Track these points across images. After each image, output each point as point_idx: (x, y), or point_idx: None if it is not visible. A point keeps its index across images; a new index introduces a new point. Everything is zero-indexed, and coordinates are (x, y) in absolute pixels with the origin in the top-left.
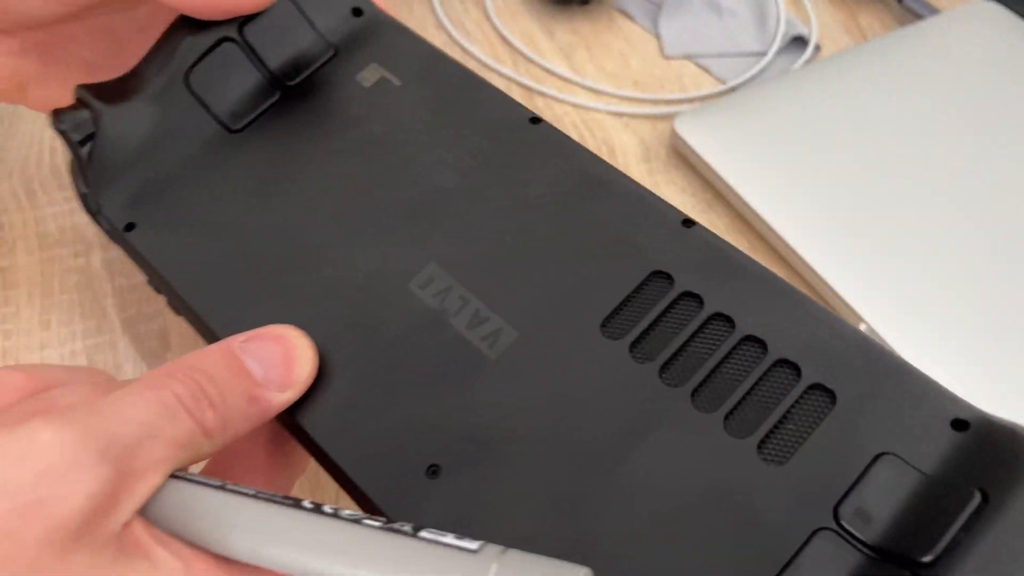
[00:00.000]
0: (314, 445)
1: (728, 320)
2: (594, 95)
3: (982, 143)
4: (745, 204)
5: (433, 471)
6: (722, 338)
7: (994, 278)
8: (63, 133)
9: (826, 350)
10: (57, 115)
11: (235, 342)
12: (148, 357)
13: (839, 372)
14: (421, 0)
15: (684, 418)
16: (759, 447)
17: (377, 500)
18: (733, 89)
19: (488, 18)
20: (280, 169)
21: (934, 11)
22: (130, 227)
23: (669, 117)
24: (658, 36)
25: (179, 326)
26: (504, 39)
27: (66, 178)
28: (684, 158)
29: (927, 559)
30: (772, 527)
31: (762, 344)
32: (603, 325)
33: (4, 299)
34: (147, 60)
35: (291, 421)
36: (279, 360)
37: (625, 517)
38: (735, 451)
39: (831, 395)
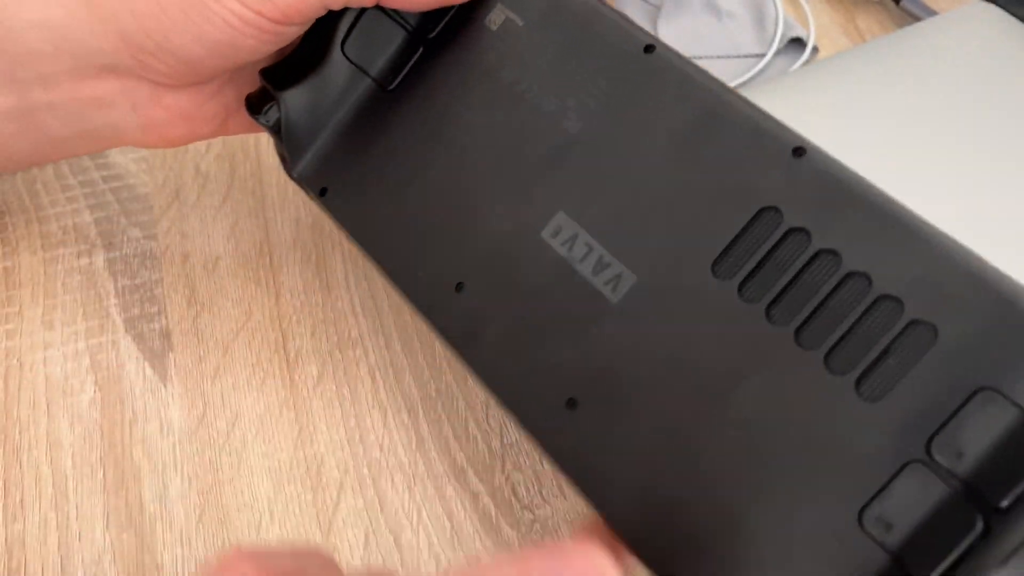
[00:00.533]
0: (478, 379)
1: (835, 254)
2: None
3: (980, 144)
4: None
5: (571, 403)
6: (827, 274)
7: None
8: (261, 124)
9: (931, 284)
10: (251, 108)
11: None
12: (151, 357)
13: (942, 307)
14: None
15: (787, 356)
16: (857, 383)
17: (527, 427)
18: None
19: None
20: (430, 124)
21: (932, 13)
22: (323, 192)
23: None
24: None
25: (181, 326)
26: None
27: (70, 178)
28: None
29: (1003, 504)
30: (865, 459)
31: (867, 279)
32: (714, 265)
33: (7, 299)
34: (306, 39)
35: (460, 356)
36: None
37: (729, 449)
38: (834, 387)
39: (933, 330)
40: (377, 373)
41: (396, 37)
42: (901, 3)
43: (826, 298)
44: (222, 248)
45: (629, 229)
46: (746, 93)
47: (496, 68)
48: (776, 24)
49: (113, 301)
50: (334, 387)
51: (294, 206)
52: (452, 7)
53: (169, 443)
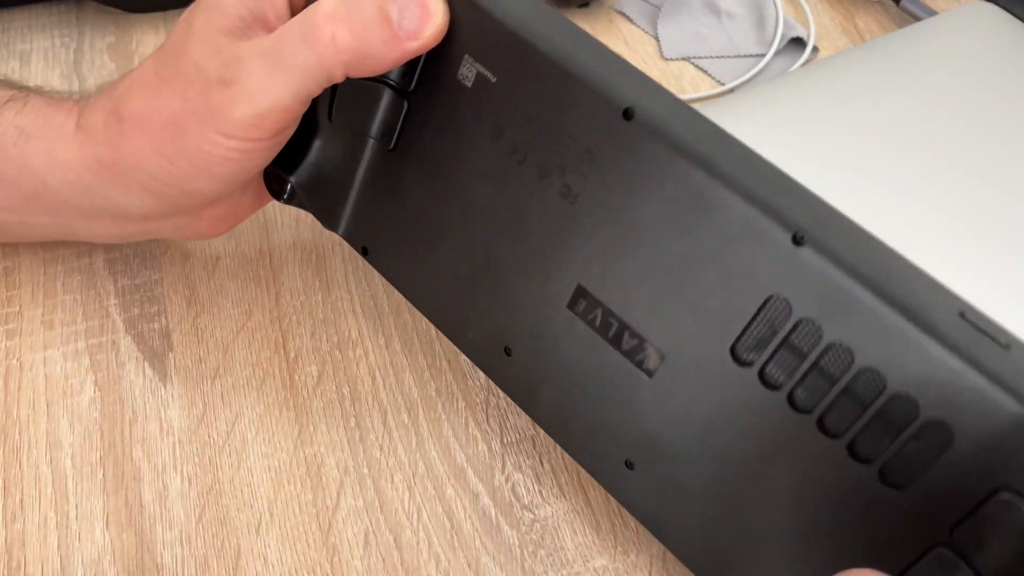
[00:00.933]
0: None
1: (847, 349)
2: None
3: (980, 144)
4: None
5: (629, 464)
6: (843, 367)
7: (994, 278)
8: (284, 203)
9: (940, 386)
10: (271, 191)
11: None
12: (151, 357)
13: (955, 411)
14: None
15: (812, 442)
16: (881, 473)
17: (598, 480)
18: (731, 91)
19: None
20: (439, 186)
21: (931, 12)
22: (365, 251)
23: None
24: (657, 38)
25: (181, 326)
26: None
27: None
28: None
29: None
30: (892, 540)
31: (880, 376)
32: (733, 349)
33: (7, 299)
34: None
35: (525, 412)
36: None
37: (759, 525)
38: (859, 474)
39: (949, 430)
40: (377, 373)
41: (378, 95)
42: (901, 3)
43: (844, 390)
44: (222, 248)
45: (646, 306)
46: (746, 93)
47: (481, 129)
48: (776, 24)
49: (113, 301)
50: (334, 387)
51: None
52: (419, 59)
53: (169, 443)
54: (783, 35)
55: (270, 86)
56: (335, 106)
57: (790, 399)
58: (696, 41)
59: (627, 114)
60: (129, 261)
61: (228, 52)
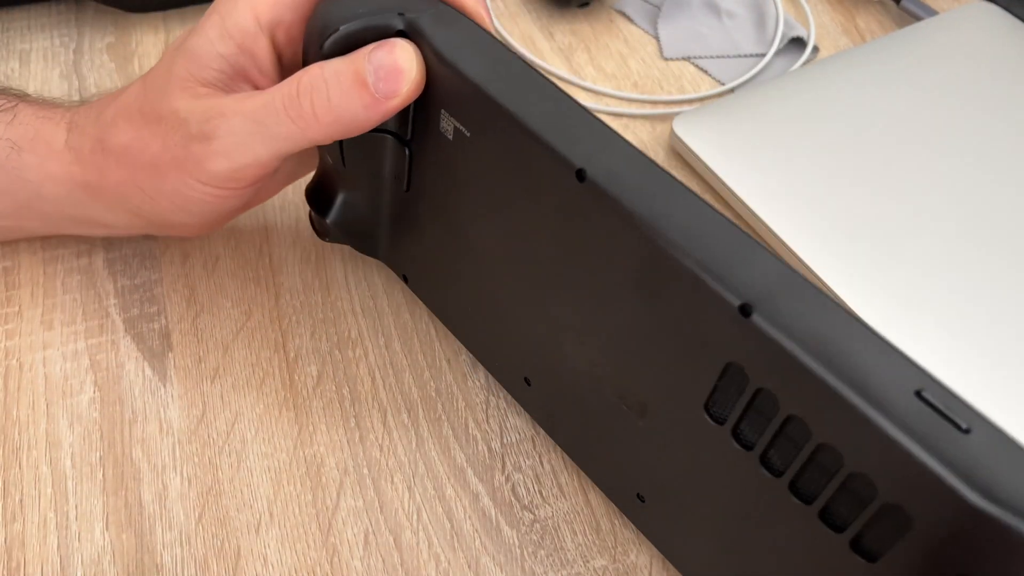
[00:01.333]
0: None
1: (803, 424)
2: (593, 96)
3: (980, 144)
4: (744, 205)
5: (640, 497)
6: (803, 438)
7: (993, 278)
8: (330, 242)
9: (898, 472)
10: (318, 233)
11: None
12: (150, 357)
13: (911, 498)
14: None
15: (784, 505)
16: (852, 543)
17: (618, 507)
18: (732, 90)
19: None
20: (450, 229)
21: (932, 12)
22: (405, 279)
23: (668, 118)
24: (657, 38)
25: (181, 326)
26: (504, 40)
27: None
28: (683, 159)
29: None
30: None
31: (838, 453)
32: (707, 408)
33: (7, 299)
34: (321, 158)
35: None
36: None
37: (754, 570)
38: (832, 543)
39: (907, 516)
40: (377, 373)
41: (382, 143)
42: (901, 3)
43: (808, 461)
44: (221, 248)
45: (627, 361)
46: (747, 93)
47: (468, 180)
48: (776, 24)
49: (112, 301)
50: (334, 387)
51: (294, 206)
52: (410, 109)
53: (169, 443)
54: (783, 35)
55: (250, 146)
56: (345, 155)
57: (763, 460)
58: (696, 41)
59: (580, 175)
60: (128, 261)
61: (210, 106)
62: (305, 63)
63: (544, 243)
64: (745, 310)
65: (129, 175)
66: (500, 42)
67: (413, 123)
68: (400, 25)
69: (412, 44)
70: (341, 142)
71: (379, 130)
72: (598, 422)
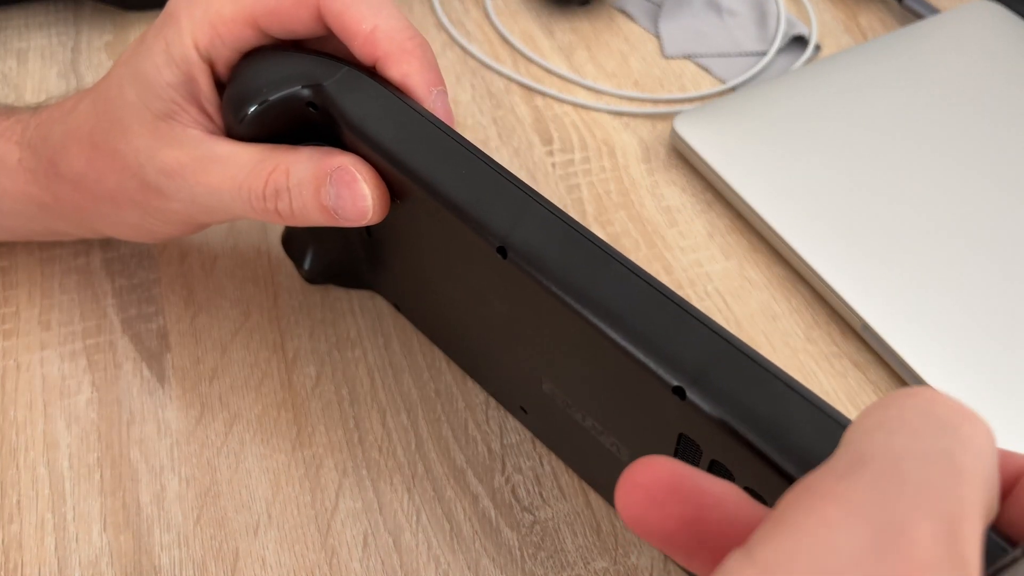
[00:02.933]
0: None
1: (760, 497)
2: (594, 95)
3: (982, 142)
4: (745, 204)
5: None
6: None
7: (993, 277)
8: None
9: None
10: (304, 277)
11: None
12: (148, 358)
13: None
14: (421, 0)
15: None
16: None
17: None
18: (733, 89)
19: (488, 18)
20: (415, 274)
21: (934, 11)
22: (397, 307)
23: (669, 117)
24: (658, 36)
25: (179, 326)
26: (504, 39)
27: None
28: (684, 158)
29: None
30: None
31: None
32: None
33: (4, 299)
34: None
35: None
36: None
37: None
38: None
39: None
40: (376, 373)
41: None
42: (903, 1)
43: None
44: (220, 248)
45: (596, 409)
46: (748, 91)
47: (412, 240)
48: (778, 22)
49: (110, 301)
50: (333, 388)
51: None
52: None
53: (167, 444)
54: (785, 33)
55: (206, 213)
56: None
57: None
58: (697, 39)
59: (501, 252)
60: (126, 261)
61: (169, 159)
62: (228, 133)
63: (494, 299)
64: (679, 392)
65: (87, 202)
66: (408, 102)
67: None
68: (308, 95)
69: (372, 172)
70: None
71: None
72: (594, 447)
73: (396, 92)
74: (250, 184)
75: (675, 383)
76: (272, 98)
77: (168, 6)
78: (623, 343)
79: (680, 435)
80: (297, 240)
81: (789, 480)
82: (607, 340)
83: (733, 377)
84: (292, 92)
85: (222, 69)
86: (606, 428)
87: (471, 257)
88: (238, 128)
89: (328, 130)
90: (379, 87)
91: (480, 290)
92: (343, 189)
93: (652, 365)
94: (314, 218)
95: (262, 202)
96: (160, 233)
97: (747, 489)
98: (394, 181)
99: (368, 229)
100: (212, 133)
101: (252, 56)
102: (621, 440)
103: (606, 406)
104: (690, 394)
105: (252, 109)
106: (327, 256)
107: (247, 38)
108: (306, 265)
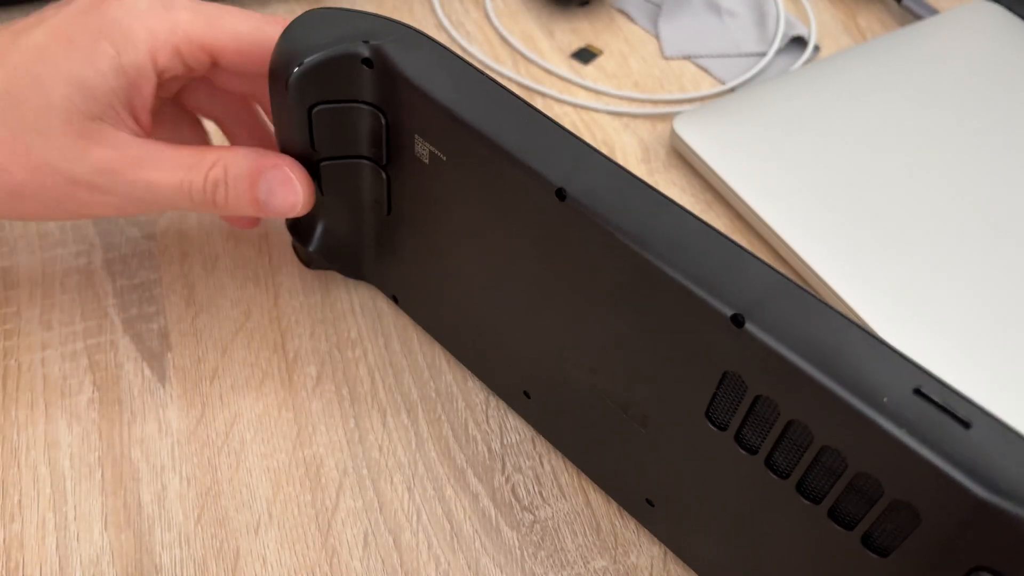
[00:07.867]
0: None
1: (805, 428)
2: (594, 95)
3: (981, 143)
4: (744, 204)
5: (650, 502)
6: (806, 441)
7: (993, 277)
8: (316, 267)
9: (903, 469)
10: (303, 263)
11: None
12: (149, 358)
13: (917, 495)
14: (421, 0)
15: (793, 506)
16: (863, 539)
17: (628, 512)
18: (732, 89)
19: (488, 19)
20: (434, 251)
21: (933, 11)
22: (395, 299)
23: (669, 117)
24: (658, 37)
25: (180, 326)
26: (504, 39)
27: None
28: (683, 158)
29: None
30: None
31: (841, 456)
32: (707, 415)
33: (5, 299)
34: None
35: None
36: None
37: (765, 572)
38: (841, 539)
39: (915, 512)
40: (376, 373)
41: (359, 170)
42: (903, 2)
43: (813, 462)
44: (221, 248)
45: (624, 374)
46: (747, 92)
47: (448, 203)
48: (777, 23)
49: (111, 301)
50: (333, 387)
51: None
52: (382, 135)
53: (167, 444)
54: (784, 34)
55: (141, 206)
56: (323, 184)
57: (768, 462)
58: (697, 40)
59: (560, 194)
60: (127, 261)
61: (106, 159)
62: (272, 95)
63: (529, 262)
64: (737, 320)
65: None
66: (468, 62)
67: (388, 148)
68: (366, 52)
69: (303, 171)
70: (319, 171)
71: (355, 156)
72: (601, 432)
73: (452, 52)
74: (191, 179)
75: (733, 312)
76: (330, 52)
77: (109, 11)
78: (679, 277)
79: (724, 374)
80: (306, 218)
81: (845, 412)
82: (661, 275)
83: (791, 308)
84: (350, 47)
85: (168, 79)
86: (629, 392)
87: (519, 209)
88: (286, 81)
89: (377, 87)
90: (437, 46)
91: (516, 251)
92: (277, 186)
93: (709, 295)
94: (245, 209)
95: (202, 194)
96: (89, 216)
97: (792, 423)
98: (446, 136)
99: (390, 204)
100: (138, 136)
101: (306, 15)
102: (647, 401)
103: (639, 360)
104: (749, 322)
105: (309, 59)
106: (337, 237)
107: (204, 63)
108: (313, 245)
